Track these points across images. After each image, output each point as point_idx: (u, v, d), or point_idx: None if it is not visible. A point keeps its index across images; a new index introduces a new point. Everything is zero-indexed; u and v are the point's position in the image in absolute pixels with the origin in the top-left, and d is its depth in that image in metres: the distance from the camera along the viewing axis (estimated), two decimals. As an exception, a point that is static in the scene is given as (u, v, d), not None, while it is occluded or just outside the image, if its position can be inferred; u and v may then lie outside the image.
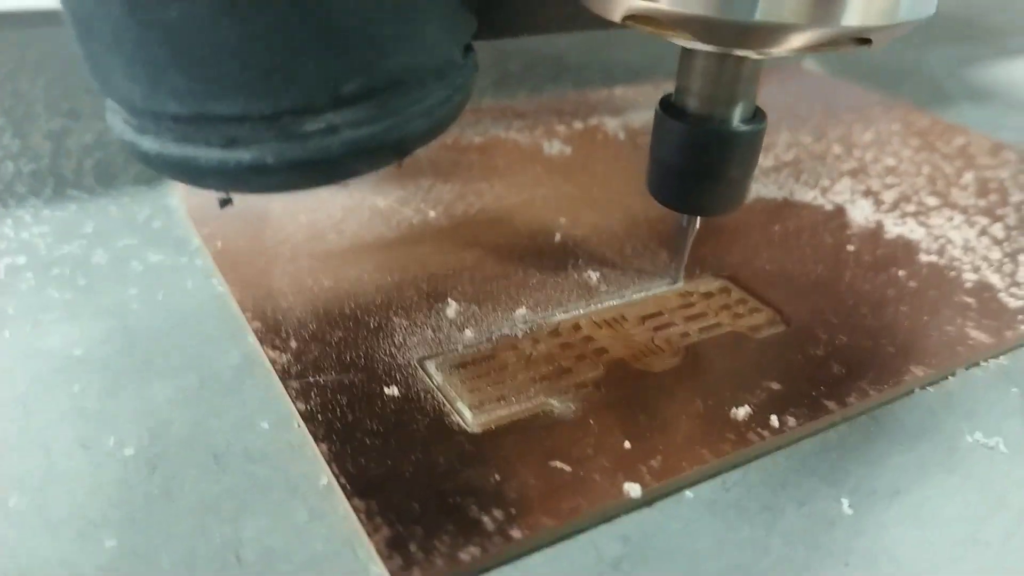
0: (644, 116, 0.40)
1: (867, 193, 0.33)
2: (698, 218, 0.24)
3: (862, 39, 0.18)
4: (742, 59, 0.20)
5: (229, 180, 0.15)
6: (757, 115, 0.22)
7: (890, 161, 0.36)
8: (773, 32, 0.17)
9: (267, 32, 0.13)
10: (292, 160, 0.15)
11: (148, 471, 0.18)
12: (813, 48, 0.18)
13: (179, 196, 0.30)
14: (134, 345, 0.22)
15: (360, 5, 0.14)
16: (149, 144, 0.16)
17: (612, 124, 0.38)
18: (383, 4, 0.14)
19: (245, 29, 0.13)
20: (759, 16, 0.16)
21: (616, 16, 0.19)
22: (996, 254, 0.28)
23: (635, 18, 0.18)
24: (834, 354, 0.23)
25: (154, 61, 0.14)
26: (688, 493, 0.18)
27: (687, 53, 0.21)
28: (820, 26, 0.17)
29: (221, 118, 0.14)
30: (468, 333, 0.23)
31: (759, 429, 0.20)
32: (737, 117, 0.21)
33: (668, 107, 0.22)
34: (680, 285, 0.25)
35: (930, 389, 0.22)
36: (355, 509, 0.17)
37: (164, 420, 0.20)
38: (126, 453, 0.19)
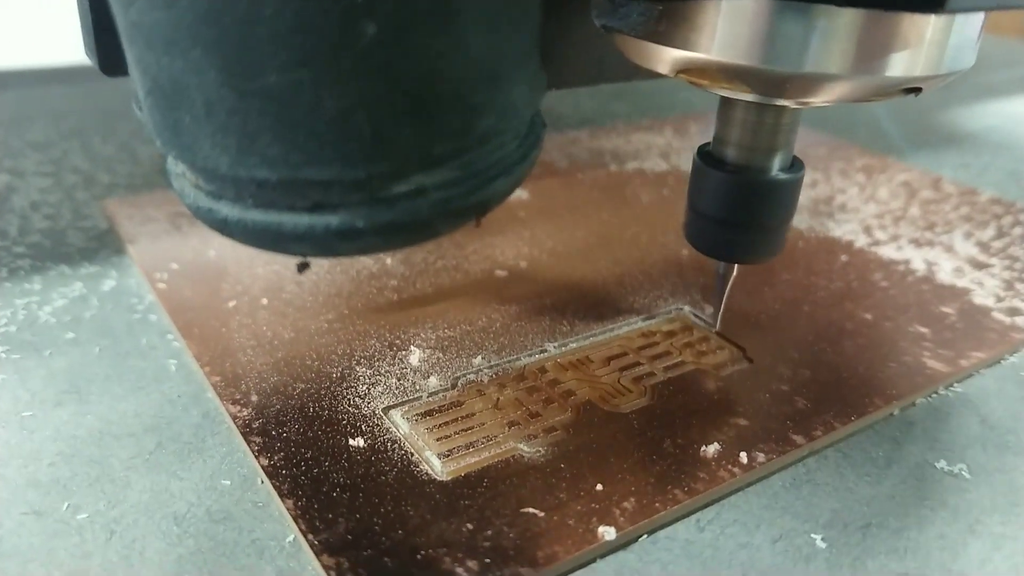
0: (589, 153, 0.40)
1: (820, 228, 0.33)
2: (735, 266, 0.24)
3: (910, 88, 0.18)
4: (782, 108, 0.20)
5: (314, 245, 0.15)
6: (795, 164, 0.22)
7: (839, 198, 0.37)
8: (818, 82, 0.17)
9: (368, 99, 0.13)
10: (382, 223, 0.14)
11: (105, 537, 0.18)
12: (858, 98, 0.18)
13: (131, 252, 0.29)
14: (87, 407, 0.21)
15: (459, 72, 0.14)
16: (228, 210, 0.15)
17: (564, 164, 0.39)
18: (480, 71, 0.14)
19: (346, 96, 0.13)
20: (808, 68, 0.16)
21: (666, 69, 0.19)
22: (947, 284, 0.29)
23: (687, 71, 0.18)
24: (798, 389, 0.23)
25: (247, 128, 0.13)
26: (663, 534, 0.18)
27: (726, 103, 0.21)
28: (866, 77, 0.17)
29: (310, 183, 0.14)
30: (433, 380, 0.22)
31: (729, 466, 0.20)
32: (776, 166, 0.21)
33: (706, 156, 0.22)
34: (646, 323, 0.26)
35: (893, 420, 0.22)
36: (325, 567, 0.16)
37: (121, 484, 0.19)
38: (80, 519, 0.18)
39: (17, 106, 0.46)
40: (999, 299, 0.28)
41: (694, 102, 0.51)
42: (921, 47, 0.17)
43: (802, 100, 0.18)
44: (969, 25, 0.18)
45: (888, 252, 0.32)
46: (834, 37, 0.16)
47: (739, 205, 0.21)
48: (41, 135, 0.42)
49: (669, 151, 0.42)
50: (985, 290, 0.29)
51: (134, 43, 0.14)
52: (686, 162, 0.40)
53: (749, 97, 0.19)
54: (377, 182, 0.14)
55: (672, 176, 0.39)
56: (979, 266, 0.31)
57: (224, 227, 0.15)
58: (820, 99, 0.18)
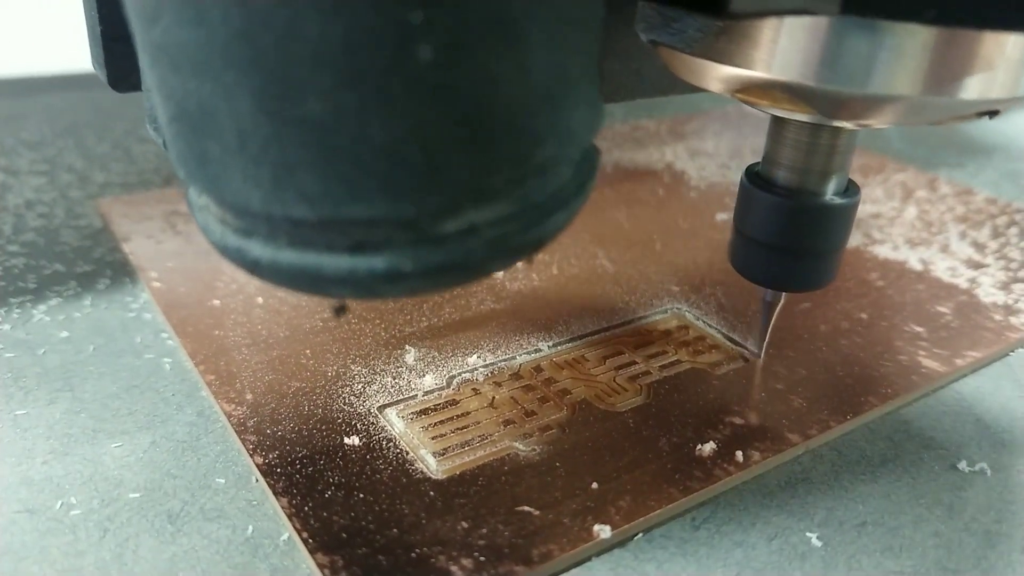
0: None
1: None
2: (783, 294, 0.23)
3: (984, 111, 0.17)
4: (839, 129, 0.19)
5: (356, 288, 0.13)
6: (850, 187, 0.21)
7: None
8: (884, 104, 0.16)
9: (420, 126, 0.12)
10: (431, 265, 0.13)
11: (99, 535, 0.17)
12: (927, 121, 0.17)
13: (126, 250, 0.29)
14: (81, 404, 0.21)
15: (518, 95, 0.13)
16: (259, 251, 0.13)
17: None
18: (540, 92, 0.13)
19: (396, 124, 0.12)
20: (874, 88, 0.16)
21: (721, 88, 0.18)
22: (943, 283, 0.29)
23: (743, 90, 0.18)
24: (794, 388, 0.23)
25: (285, 160, 0.12)
26: (659, 532, 0.18)
27: (778, 121, 0.20)
28: (939, 99, 0.16)
29: (352, 221, 0.12)
30: (428, 379, 0.22)
31: (725, 465, 0.20)
32: (831, 190, 0.20)
33: (755, 178, 0.21)
34: (642, 322, 0.26)
35: (888, 419, 0.22)
36: (319, 565, 0.16)
37: (115, 482, 0.19)
38: (74, 517, 0.18)
39: (11, 104, 0.46)
40: (995, 299, 0.28)
41: (694, 101, 0.51)
42: (1001, 67, 0.16)
43: (863, 122, 0.17)
44: None
45: (884, 251, 0.32)
46: (906, 56, 0.15)
47: (791, 230, 0.20)
48: (35, 133, 0.42)
49: (668, 150, 0.42)
50: (981, 290, 0.29)
51: (157, 65, 0.13)
52: (684, 161, 0.40)
53: (805, 117, 0.18)
54: (427, 219, 0.13)
55: (670, 175, 0.39)
56: (975, 266, 0.31)
57: (255, 268, 0.14)
58: (884, 121, 0.17)
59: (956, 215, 0.36)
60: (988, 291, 0.29)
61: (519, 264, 0.29)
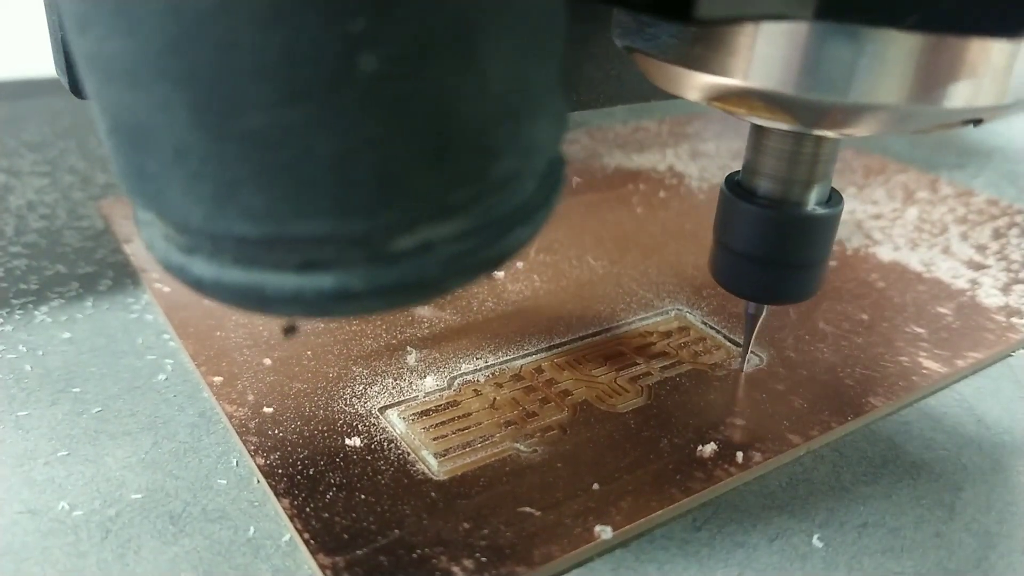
0: (588, 153, 0.40)
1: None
2: (765, 306, 0.22)
3: (969, 120, 0.16)
4: (822, 137, 0.19)
5: (304, 308, 0.13)
6: (833, 197, 0.20)
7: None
8: (866, 113, 0.16)
9: (371, 140, 0.11)
10: (384, 284, 0.12)
11: (101, 536, 0.17)
12: (911, 130, 0.17)
13: (128, 252, 0.29)
14: (83, 406, 0.21)
15: (476, 107, 0.12)
16: (203, 268, 0.13)
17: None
18: (500, 104, 0.12)
19: (345, 138, 0.11)
20: (855, 97, 0.15)
21: (697, 96, 0.18)
22: (944, 284, 0.29)
23: (720, 98, 0.17)
24: (795, 389, 0.23)
25: (225, 177, 0.11)
26: (660, 533, 0.18)
27: (759, 130, 0.19)
28: (922, 108, 0.15)
29: (300, 239, 0.12)
30: (429, 380, 0.22)
31: (726, 466, 0.20)
32: (813, 200, 0.19)
33: (735, 187, 0.20)
34: (643, 323, 0.26)
35: (889, 420, 0.22)
36: (321, 566, 0.16)
37: (117, 483, 0.19)
38: (76, 518, 0.18)
39: (13, 106, 0.46)
40: (995, 300, 0.28)
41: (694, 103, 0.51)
42: (986, 75, 0.15)
43: (845, 131, 0.17)
44: None
45: (885, 252, 0.32)
46: (888, 64, 0.15)
47: (773, 242, 0.20)
48: (37, 135, 0.42)
49: (668, 152, 0.42)
50: (982, 291, 0.29)
51: (91, 76, 0.12)
52: (684, 163, 0.40)
53: (787, 126, 0.18)
54: (379, 236, 0.12)
55: (671, 177, 0.39)
56: (975, 267, 0.31)
57: (199, 286, 0.13)
58: (867, 131, 0.17)
59: (957, 216, 0.36)
60: (989, 292, 0.29)
61: (519, 265, 0.29)
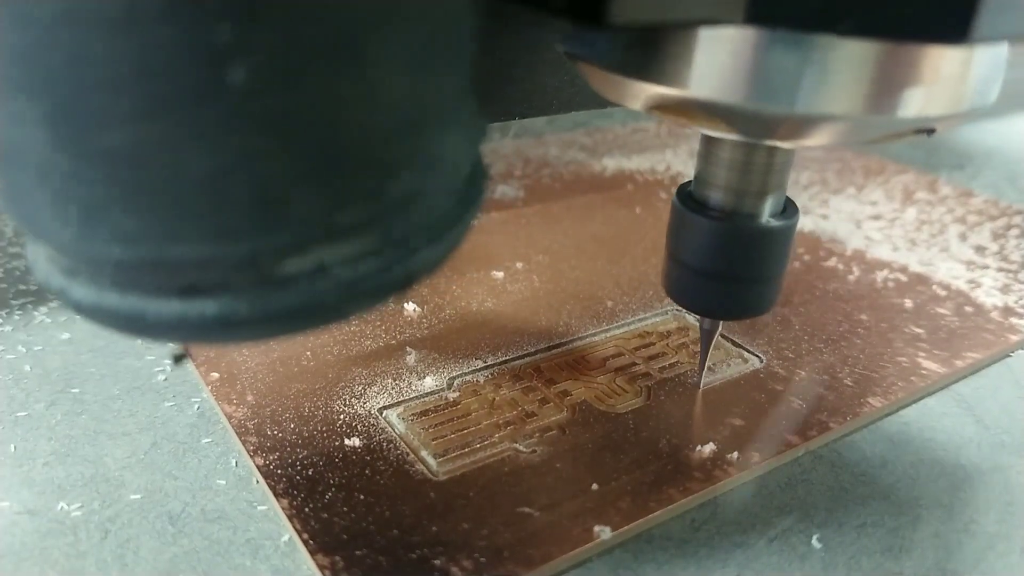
0: (586, 154, 0.40)
1: (817, 229, 0.33)
2: (720, 322, 0.22)
3: (922, 129, 0.16)
4: (774, 147, 0.18)
5: (187, 334, 0.12)
6: (788, 208, 0.19)
7: (836, 199, 0.37)
8: (814, 124, 0.15)
9: (248, 156, 0.10)
10: (273, 310, 0.12)
11: (100, 536, 0.17)
12: (862, 140, 0.16)
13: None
14: (82, 406, 0.21)
15: (367, 121, 0.11)
16: (82, 292, 0.12)
17: (561, 164, 0.39)
18: (395, 118, 0.12)
19: (217, 154, 0.10)
20: (801, 108, 0.14)
21: (638, 105, 0.17)
22: (943, 285, 0.29)
23: (661, 108, 0.16)
24: (793, 389, 0.23)
25: (91, 197, 0.11)
26: (658, 533, 0.18)
27: (710, 140, 0.19)
28: (872, 118, 0.14)
29: (179, 262, 0.11)
30: (429, 380, 0.22)
31: (724, 466, 0.20)
32: (767, 211, 0.19)
33: (687, 199, 0.20)
34: (642, 324, 0.26)
35: (888, 420, 0.22)
36: (320, 566, 0.16)
37: (116, 483, 0.19)
38: (75, 518, 0.18)
39: None
40: (994, 300, 0.28)
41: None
42: (937, 83, 0.14)
43: (795, 142, 0.16)
44: (992, 56, 0.15)
45: (884, 253, 0.32)
46: (835, 72, 0.14)
47: (726, 256, 0.19)
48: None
49: (667, 152, 0.42)
50: (981, 291, 0.29)
51: None
52: (683, 163, 0.40)
53: (736, 136, 0.17)
54: (266, 259, 0.11)
55: (669, 177, 0.39)
56: (974, 267, 0.31)
57: (79, 309, 0.13)
58: (817, 141, 0.16)
59: (956, 217, 0.36)
60: (988, 292, 0.29)
61: (519, 265, 0.29)
